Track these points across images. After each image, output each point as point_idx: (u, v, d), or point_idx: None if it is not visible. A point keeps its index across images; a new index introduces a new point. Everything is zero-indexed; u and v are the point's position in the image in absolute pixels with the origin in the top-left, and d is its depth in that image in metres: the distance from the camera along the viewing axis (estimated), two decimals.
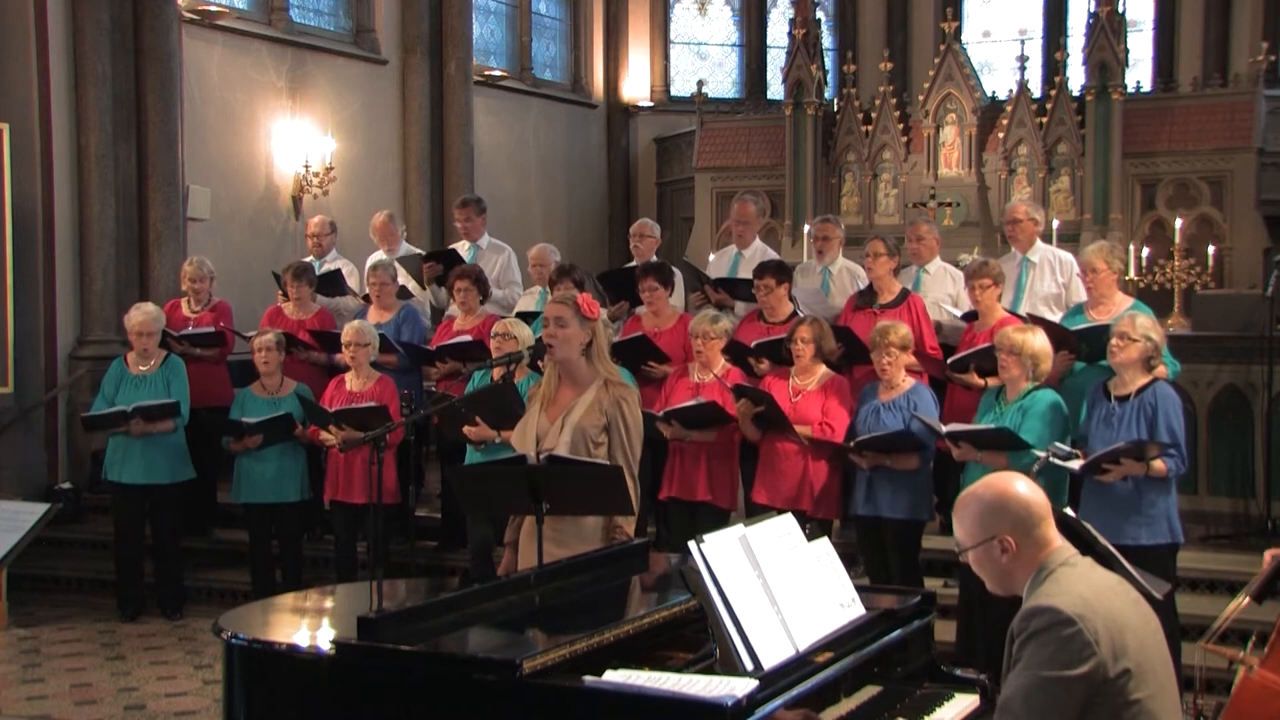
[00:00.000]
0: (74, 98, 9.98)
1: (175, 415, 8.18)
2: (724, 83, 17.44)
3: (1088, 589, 3.18)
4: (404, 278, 9.15)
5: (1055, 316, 7.49)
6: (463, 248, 9.55)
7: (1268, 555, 4.78)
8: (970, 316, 7.63)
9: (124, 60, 10.22)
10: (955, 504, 3.39)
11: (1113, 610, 3.15)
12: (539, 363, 5.43)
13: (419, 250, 10.26)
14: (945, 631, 6.38)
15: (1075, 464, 5.95)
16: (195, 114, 10.93)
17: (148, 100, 10.32)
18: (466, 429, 7.13)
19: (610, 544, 5.01)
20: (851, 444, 6.70)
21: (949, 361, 7.35)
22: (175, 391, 8.25)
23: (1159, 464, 5.97)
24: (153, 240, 10.37)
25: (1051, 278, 7.94)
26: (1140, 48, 15.59)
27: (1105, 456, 5.95)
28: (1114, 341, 6.08)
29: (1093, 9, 12.83)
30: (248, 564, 8.40)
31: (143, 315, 8.31)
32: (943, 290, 8.21)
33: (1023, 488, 3.32)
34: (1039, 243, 8.13)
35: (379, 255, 9.42)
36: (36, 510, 7.70)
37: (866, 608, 3.94)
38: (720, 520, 6.69)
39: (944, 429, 6.39)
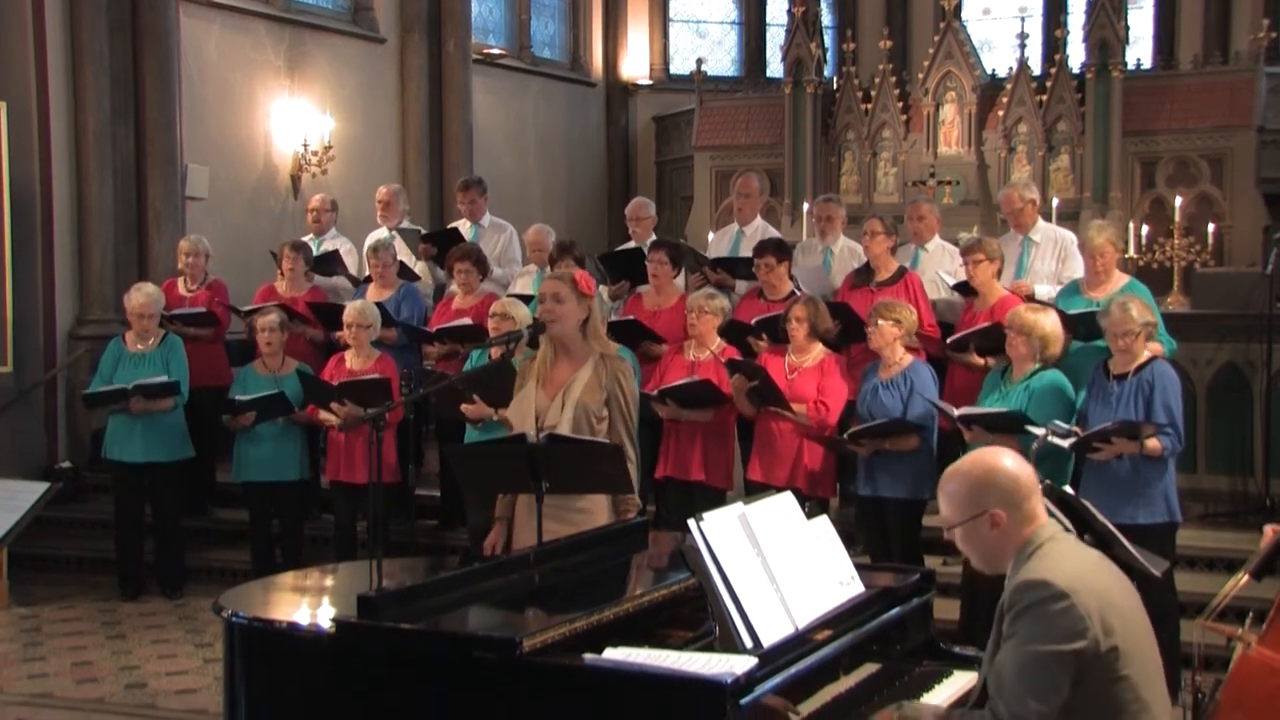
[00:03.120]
0: (72, 77, 9.95)
1: (175, 394, 8.19)
2: (723, 61, 17.39)
3: (1075, 565, 3.18)
4: (403, 253, 9.15)
5: (1053, 293, 7.48)
6: (464, 227, 9.56)
7: (1268, 530, 4.78)
8: (962, 287, 7.61)
9: (122, 39, 10.19)
10: (940, 480, 3.37)
11: (1100, 587, 3.16)
12: (539, 338, 5.43)
13: (419, 227, 10.25)
14: (946, 610, 6.40)
15: (1067, 442, 5.95)
16: (193, 93, 10.90)
17: (146, 79, 10.29)
18: (464, 406, 7.13)
19: (621, 519, 5.03)
20: (846, 435, 6.71)
21: (949, 341, 7.34)
22: (174, 370, 8.25)
23: (1153, 443, 5.97)
24: (151, 219, 10.35)
25: (1053, 256, 7.92)
26: (1141, 25, 15.55)
27: (1095, 436, 5.96)
28: (1120, 342, 6.07)
29: None
30: (248, 543, 8.41)
31: (143, 297, 8.31)
32: (941, 269, 8.19)
33: (1010, 462, 3.31)
34: (1041, 222, 8.11)
35: (379, 234, 9.41)
36: (36, 489, 7.66)
37: (866, 586, 3.94)
38: (716, 500, 6.70)
39: (955, 412, 6.38)
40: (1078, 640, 3.05)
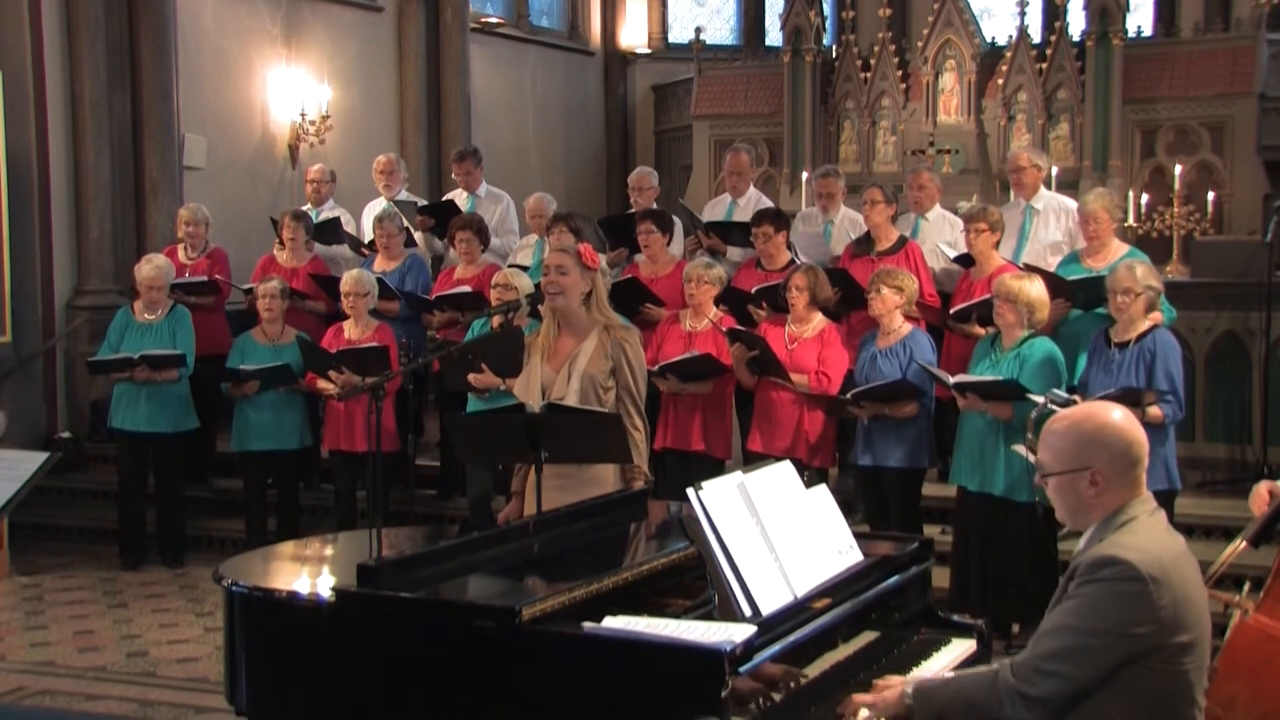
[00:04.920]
0: (67, 45, 9.88)
1: (181, 366, 8.20)
2: (722, 30, 17.29)
3: (1164, 551, 3.06)
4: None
5: (1055, 263, 7.47)
6: (461, 197, 9.53)
7: (1263, 488, 4.73)
8: (964, 259, 7.60)
9: (117, 6, 10.13)
10: (1048, 424, 3.23)
11: (1184, 579, 3.05)
12: (539, 308, 5.43)
13: (416, 199, 10.22)
14: (945, 578, 6.42)
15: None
16: (190, 62, 10.85)
17: (142, 48, 10.24)
18: (472, 376, 7.12)
19: (627, 488, 5.04)
20: (849, 395, 6.71)
21: (952, 311, 7.33)
22: (180, 340, 8.28)
23: (1154, 410, 5.99)
24: (149, 189, 10.32)
25: (1056, 225, 7.90)
26: None
27: None
28: (1119, 299, 6.08)
29: None
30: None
31: (153, 269, 8.31)
32: (941, 238, 8.18)
33: (1125, 423, 3.15)
34: (1043, 190, 8.09)
35: (381, 205, 9.38)
36: (36, 459, 7.67)
37: (864, 554, 3.94)
38: (715, 470, 6.69)
39: (951, 379, 6.38)
40: (1138, 627, 2.96)
